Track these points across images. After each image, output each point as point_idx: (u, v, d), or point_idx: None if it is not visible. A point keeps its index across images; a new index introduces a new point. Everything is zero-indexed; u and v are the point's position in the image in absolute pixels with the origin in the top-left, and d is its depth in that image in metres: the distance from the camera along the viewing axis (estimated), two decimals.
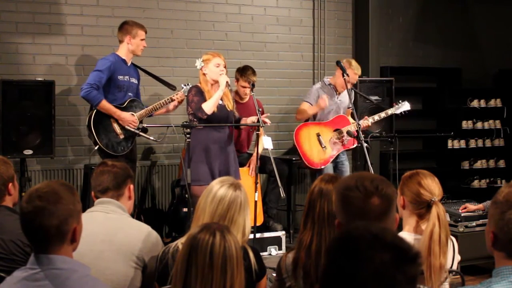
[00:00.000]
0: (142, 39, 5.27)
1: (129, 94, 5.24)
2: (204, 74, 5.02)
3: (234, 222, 2.47)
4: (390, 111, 5.91)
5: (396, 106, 5.95)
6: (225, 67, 5.04)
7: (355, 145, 5.85)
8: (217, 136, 4.99)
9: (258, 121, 4.91)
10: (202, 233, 1.92)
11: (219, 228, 1.94)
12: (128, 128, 5.06)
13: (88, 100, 5.04)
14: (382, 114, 5.89)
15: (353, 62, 5.88)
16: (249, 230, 2.55)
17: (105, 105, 5.01)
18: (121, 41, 5.27)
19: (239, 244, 1.97)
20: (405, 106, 5.93)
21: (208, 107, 4.86)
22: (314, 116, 5.94)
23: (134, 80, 5.31)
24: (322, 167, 5.75)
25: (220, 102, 5.02)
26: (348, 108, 5.94)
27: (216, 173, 4.84)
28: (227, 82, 4.90)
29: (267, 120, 5.03)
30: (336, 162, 5.90)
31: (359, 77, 6.59)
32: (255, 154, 5.53)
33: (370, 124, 5.85)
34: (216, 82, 4.98)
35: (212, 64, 4.99)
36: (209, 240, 1.89)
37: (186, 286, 1.88)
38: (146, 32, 5.32)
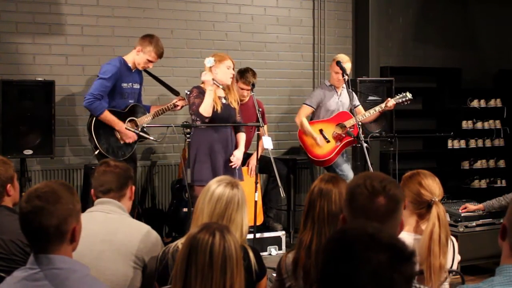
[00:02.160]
0: (149, 60, 5.18)
1: (130, 101, 5.21)
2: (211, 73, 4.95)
3: (233, 221, 2.47)
4: (393, 100, 5.80)
5: (398, 96, 5.88)
6: (233, 69, 5.05)
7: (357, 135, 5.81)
8: (219, 135, 4.97)
9: (258, 121, 4.90)
10: (202, 233, 1.92)
11: (219, 228, 1.94)
12: (129, 129, 5.04)
13: (90, 111, 5.02)
14: (383, 105, 5.77)
15: (339, 57, 5.77)
16: (247, 229, 2.55)
17: (107, 116, 4.99)
18: (134, 48, 5.23)
19: (239, 244, 1.97)
20: (407, 96, 5.84)
21: (205, 110, 4.82)
22: (317, 116, 5.93)
23: (136, 86, 5.28)
24: (332, 155, 5.73)
25: (224, 101, 5.01)
26: (356, 107, 5.84)
27: (220, 173, 4.82)
28: (213, 79, 4.85)
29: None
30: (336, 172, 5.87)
31: (359, 77, 6.60)
32: (254, 154, 5.53)
33: (394, 103, 5.77)
34: (225, 84, 4.99)
35: (224, 65, 4.96)
36: (209, 240, 1.89)
37: (186, 286, 1.88)
38: (159, 57, 5.22)
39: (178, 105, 5.32)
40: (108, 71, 5.02)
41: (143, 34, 5.28)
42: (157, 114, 5.27)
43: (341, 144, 5.76)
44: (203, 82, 4.99)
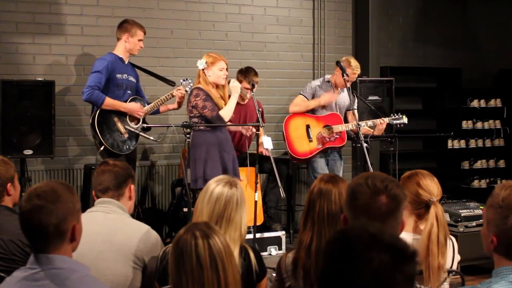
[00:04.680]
0: (140, 39, 5.26)
1: (128, 92, 5.24)
2: (205, 75, 4.97)
3: (232, 220, 2.47)
4: (386, 119, 5.69)
5: (394, 116, 5.76)
6: (227, 69, 5.03)
7: (342, 145, 5.79)
8: (218, 136, 4.98)
9: (257, 121, 4.90)
10: (184, 236, 1.91)
11: (199, 228, 1.93)
12: (129, 128, 5.04)
13: (92, 102, 5.04)
14: (377, 121, 5.67)
15: (352, 61, 5.72)
16: (245, 228, 2.55)
17: (109, 101, 5.02)
18: (118, 39, 5.27)
19: (224, 238, 1.96)
20: (402, 119, 5.72)
21: (227, 115, 4.88)
22: (311, 111, 5.88)
23: (132, 78, 5.31)
24: (309, 156, 5.69)
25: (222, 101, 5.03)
26: (349, 110, 5.83)
27: (229, 171, 4.86)
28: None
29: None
30: (327, 160, 5.82)
31: (359, 76, 6.57)
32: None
33: (387, 122, 5.66)
34: (218, 85, 4.98)
35: (217, 67, 4.96)
36: (192, 243, 1.88)
37: (182, 286, 1.88)
38: (145, 33, 5.31)
39: (175, 95, 5.27)
40: (100, 64, 5.08)
41: (117, 25, 5.31)
42: (156, 105, 5.26)
43: (322, 147, 5.73)
44: (200, 82, 4.99)
